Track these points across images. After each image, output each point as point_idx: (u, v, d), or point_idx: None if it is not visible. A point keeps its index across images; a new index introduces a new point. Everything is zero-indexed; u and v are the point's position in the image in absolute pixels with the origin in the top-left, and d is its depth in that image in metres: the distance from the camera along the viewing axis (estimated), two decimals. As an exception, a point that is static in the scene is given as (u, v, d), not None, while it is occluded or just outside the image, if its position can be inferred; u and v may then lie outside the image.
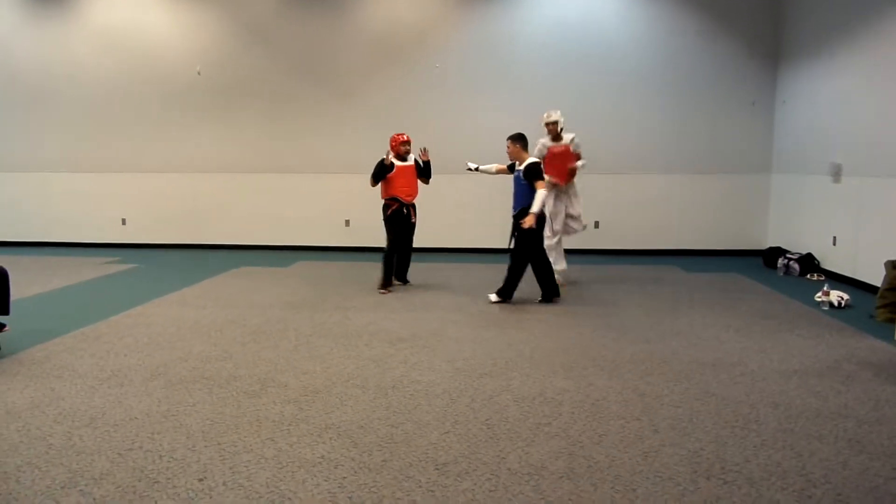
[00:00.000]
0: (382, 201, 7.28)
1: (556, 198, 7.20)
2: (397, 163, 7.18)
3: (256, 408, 3.91)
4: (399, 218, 7.23)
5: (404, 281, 7.61)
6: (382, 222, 7.30)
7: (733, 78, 9.63)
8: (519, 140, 6.62)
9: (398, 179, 7.17)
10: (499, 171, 7.15)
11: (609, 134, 9.67)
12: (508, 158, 6.75)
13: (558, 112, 7.15)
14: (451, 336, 5.47)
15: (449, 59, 9.97)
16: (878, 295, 6.05)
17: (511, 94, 9.86)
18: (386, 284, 7.25)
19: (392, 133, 7.42)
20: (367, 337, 5.45)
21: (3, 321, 5.04)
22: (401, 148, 7.24)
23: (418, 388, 4.26)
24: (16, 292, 5.31)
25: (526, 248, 6.53)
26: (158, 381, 4.37)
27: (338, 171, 10.23)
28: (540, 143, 7.17)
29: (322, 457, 3.28)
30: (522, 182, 6.49)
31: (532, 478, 3.05)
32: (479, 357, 4.90)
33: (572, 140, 7.13)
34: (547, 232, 6.98)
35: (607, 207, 9.81)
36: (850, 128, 7.59)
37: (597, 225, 9.84)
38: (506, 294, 6.69)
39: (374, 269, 7.92)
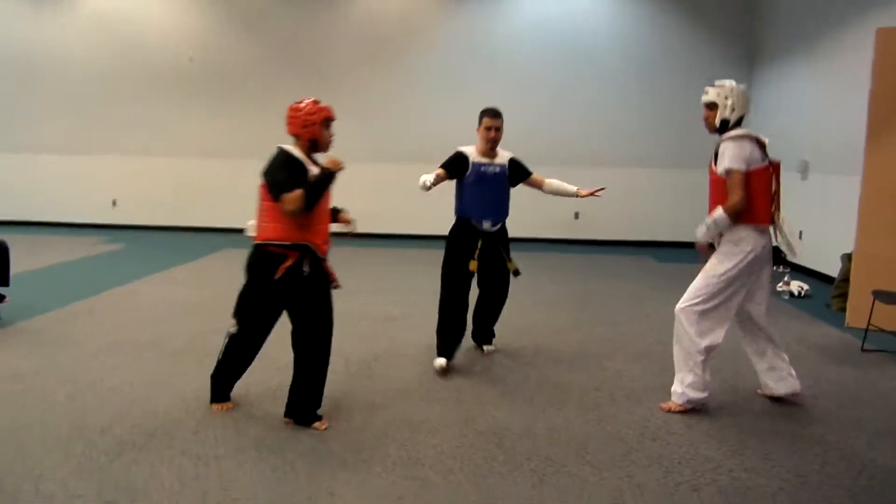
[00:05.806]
0: (253, 248, 3.70)
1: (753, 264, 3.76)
2: (314, 169, 3.60)
3: (246, 375, 4.13)
4: (294, 280, 3.54)
5: (309, 420, 3.48)
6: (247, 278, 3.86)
7: (709, 78, 9.87)
8: None
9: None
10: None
11: (587, 128, 10.04)
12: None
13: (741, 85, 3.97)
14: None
15: (434, 55, 10.25)
16: (834, 285, 6.42)
17: (493, 89, 10.10)
18: (220, 396, 3.71)
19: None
20: (356, 319, 5.45)
21: (2, 292, 5.28)
22: (324, 134, 3.65)
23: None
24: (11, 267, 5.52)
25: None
26: (152, 353, 4.62)
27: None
28: (748, 146, 3.73)
29: (306, 418, 3.56)
30: None
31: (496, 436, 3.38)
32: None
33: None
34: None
35: (588, 199, 10.08)
36: (816, 128, 7.96)
37: (577, 216, 10.18)
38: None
39: (355, 255, 8.16)
